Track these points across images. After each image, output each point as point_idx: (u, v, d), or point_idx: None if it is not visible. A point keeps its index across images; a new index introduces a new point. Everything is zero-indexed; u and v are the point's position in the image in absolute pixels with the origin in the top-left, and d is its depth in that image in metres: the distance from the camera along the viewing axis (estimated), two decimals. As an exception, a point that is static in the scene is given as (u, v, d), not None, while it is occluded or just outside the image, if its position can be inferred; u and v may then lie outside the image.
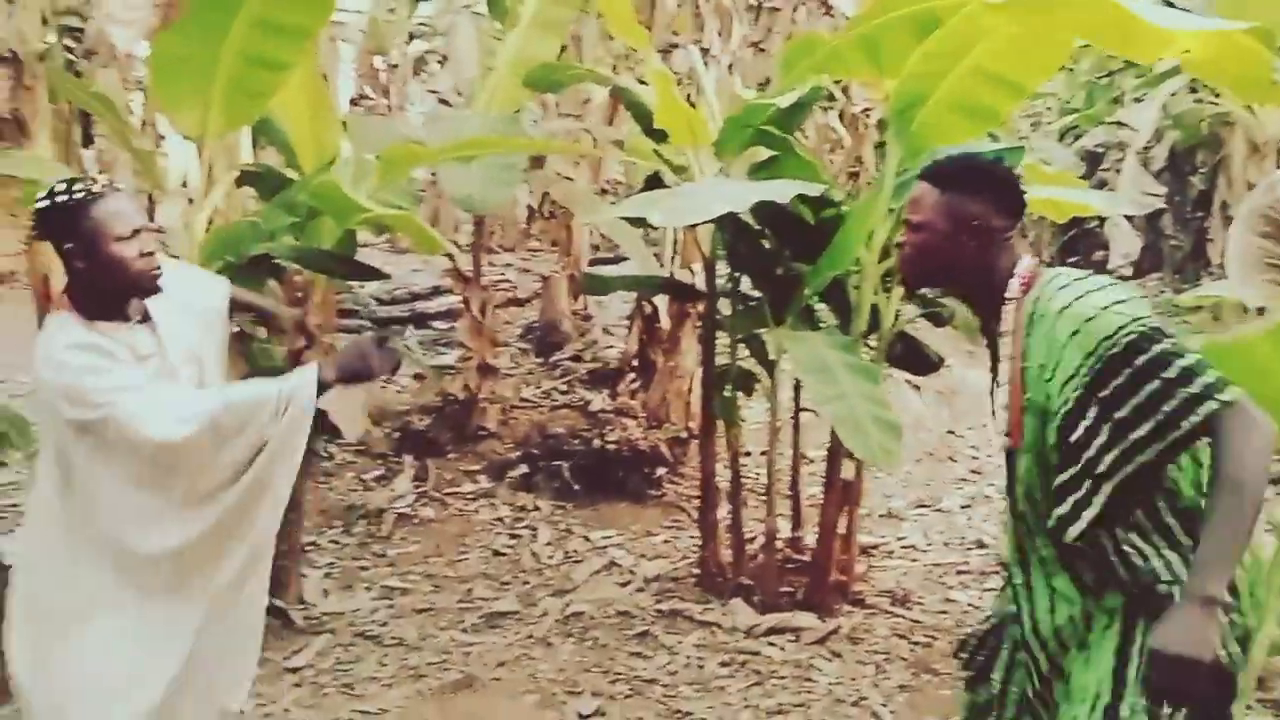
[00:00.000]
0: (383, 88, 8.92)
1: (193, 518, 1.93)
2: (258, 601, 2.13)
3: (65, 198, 1.88)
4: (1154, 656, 1.53)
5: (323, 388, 1.93)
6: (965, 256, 1.74)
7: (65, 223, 1.88)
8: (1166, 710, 1.56)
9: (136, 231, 1.91)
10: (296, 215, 3.12)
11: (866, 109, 4.46)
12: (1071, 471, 1.61)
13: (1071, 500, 1.61)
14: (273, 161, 3.87)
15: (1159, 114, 6.80)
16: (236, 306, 2.31)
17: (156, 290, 1.96)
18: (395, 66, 8.86)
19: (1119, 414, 1.55)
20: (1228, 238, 6.58)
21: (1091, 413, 1.58)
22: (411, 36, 8.95)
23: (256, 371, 3.14)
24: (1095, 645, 1.66)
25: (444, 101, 7.64)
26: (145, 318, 2.00)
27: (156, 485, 1.91)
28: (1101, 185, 8.92)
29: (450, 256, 4.84)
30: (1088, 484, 1.59)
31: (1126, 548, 1.62)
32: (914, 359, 3.70)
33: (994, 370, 1.79)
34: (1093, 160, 10.29)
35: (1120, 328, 1.57)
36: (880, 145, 5.78)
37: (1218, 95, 7.10)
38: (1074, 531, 1.61)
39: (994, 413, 1.80)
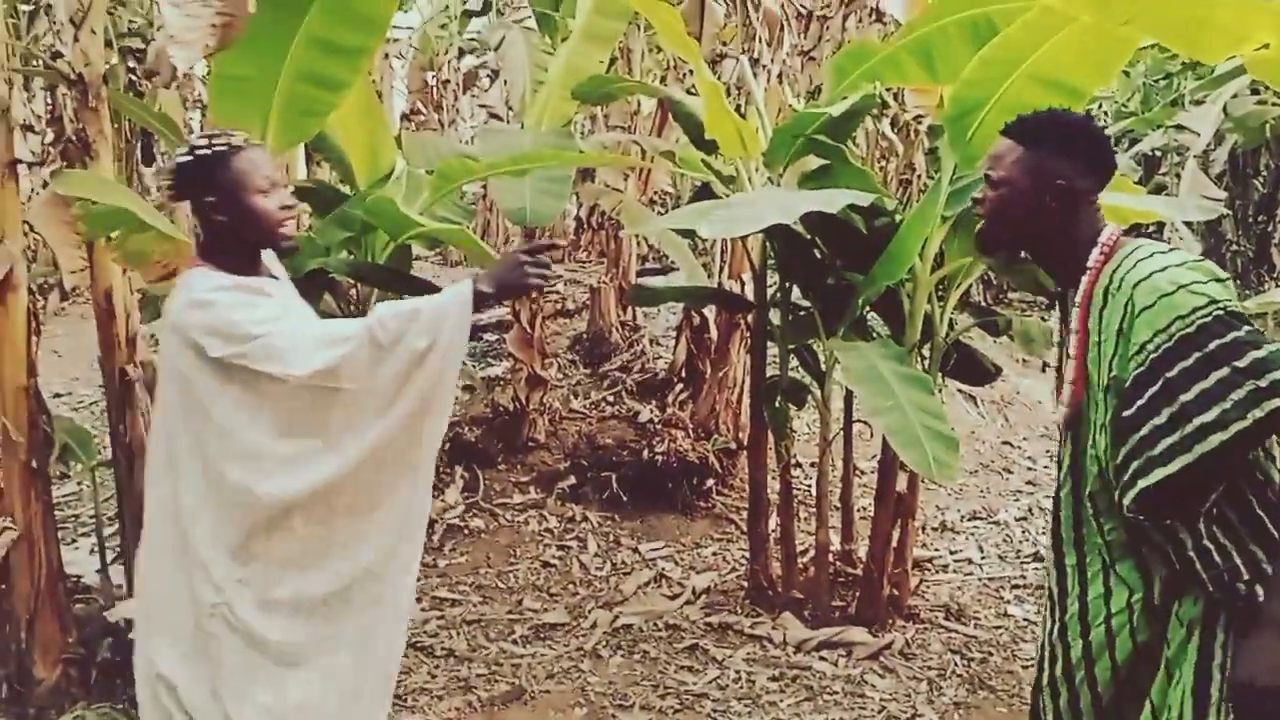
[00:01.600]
0: (434, 103, 9.03)
1: (348, 448, 1.87)
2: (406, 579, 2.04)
3: (206, 150, 1.90)
4: (1237, 687, 1.48)
5: (480, 301, 1.86)
6: (1046, 218, 1.68)
7: (206, 176, 1.89)
8: None
9: (274, 185, 1.94)
10: (351, 230, 3.16)
11: (919, 116, 4.40)
12: (1122, 452, 1.55)
13: (1120, 483, 1.56)
14: (327, 177, 3.93)
15: (1219, 116, 6.64)
16: None
17: (294, 246, 1.98)
18: (447, 82, 8.96)
19: (1184, 398, 1.49)
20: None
21: (1151, 392, 1.52)
22: (462, 52, 9.05)
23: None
24: (1175, 662, 1.60)
25: (495, 116, 7.72)
26: (272, 276, 2.02)
27: (308, 425, 1.87)
28: (1159, 190, 8.74)
29: (500, 269, 4.86)
30: (1136, 465, 1.53)
31: (1207, 543, 1.54)
32: (969, 369, 3.65)
33: (1063, 340, 1.74)
34: (1149, 165, 10.09)
35: (1196, 308, 1.51)
36: (932, 152, 5.72)
37: (1281, 97, 6.93)
38: (1129, 500, 1.55)
39: (1058, 386, 1.75)
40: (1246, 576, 1.53)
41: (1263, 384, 1.46)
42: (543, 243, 1.95)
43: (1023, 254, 1.93)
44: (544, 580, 3.94)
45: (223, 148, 1.90)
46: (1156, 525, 1.57)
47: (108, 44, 4.11)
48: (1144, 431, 1.52)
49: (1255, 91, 7.06)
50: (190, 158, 1.91)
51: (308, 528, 1.90)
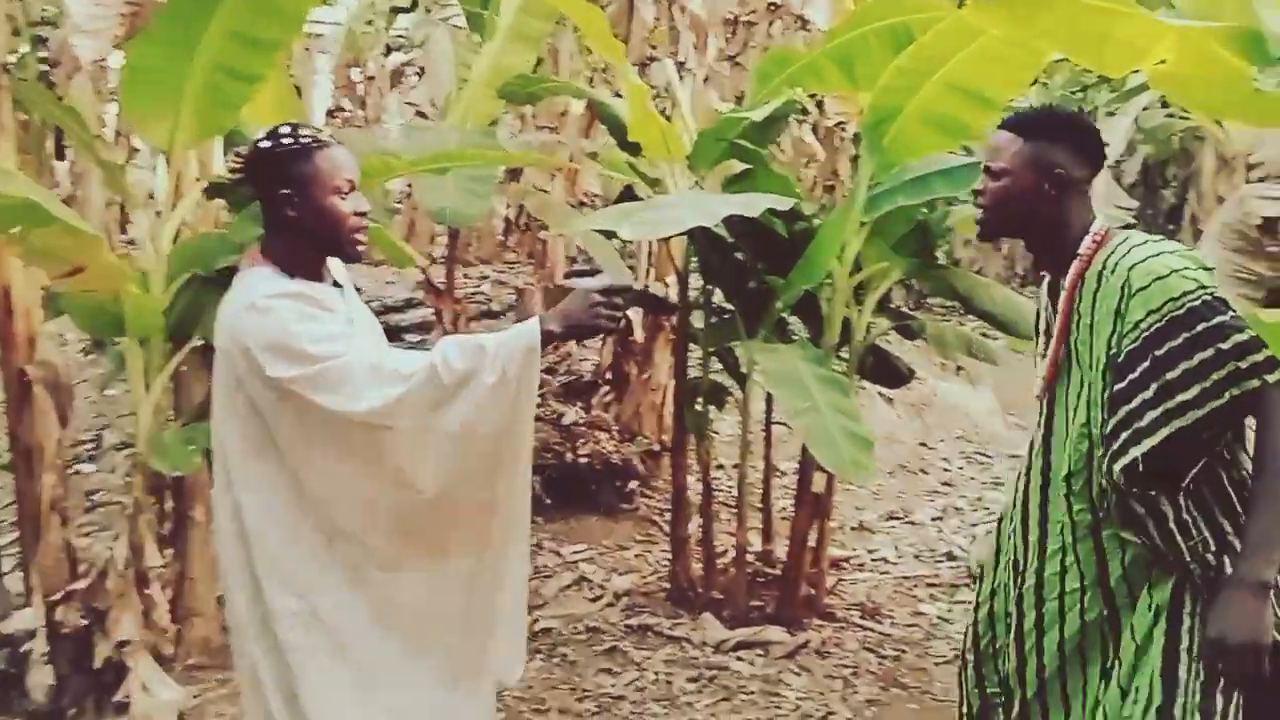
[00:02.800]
0: (360, 100, 8.89)
1: (408, 487, 1.77)
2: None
3: (291, 141, 1.81)
4: (1211, 644, 1.58)
5: (547, 340, 1.78)
6: (1045, 205, 1.78)
7: (283, 168, 1.80)
8: (1220, 703, 1.60)
9: (354, 189, 1.85)
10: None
11: (841, 123, 4.48)
12: (1111, 423, 1.66)
13: (1110, 451, 1.65)
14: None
15: (1131, 128, 6.87)
16: None
17: (359, 255, 1.88)
18: (372, 78, 8.83)
19: (1169, 374, 1.60)
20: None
21: (1141, 367, 1.62)
22: (389, 49, 8.93)
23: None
24: (1143, 647, 1.68)
25: (421, 114, 7.62)
26: (335, 284, 1.92)
27: (371, 454, 1.77)
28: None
29: (423, 269, 4.81)
30: (1125, 435, 1.63)
31: (1186, 516, 1.64)
32: (885, 371, 3.72)
33: (1047, 324, 1.85)
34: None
35: (1187, 292, 1.62)
36: (856, 158, 5.82)
37: (1187, 110, 7.19)
38: (1118, 468, 1.64)
39: (1036, 362, 1.86)
40: (1215, 548, 1.63)
41: (1243, 365, 1.58)
42: (619, 284, 1.86)
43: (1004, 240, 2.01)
44: (464, 583, 3.90)
45: (308, 140, 1.82)
46: (1141, 498, 1.66)
47: (16, 32, 3.97)
48: (1133, 404, 1.63)
49: (1165, 105, 7.31)
50: (271, 145, 1.82)
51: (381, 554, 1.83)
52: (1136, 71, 3.07)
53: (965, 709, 1.97)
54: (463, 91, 4.67)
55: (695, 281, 3.74)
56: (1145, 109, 6.98)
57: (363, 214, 1.86)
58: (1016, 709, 1.85)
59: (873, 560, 4.24)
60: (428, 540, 1.84)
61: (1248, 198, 2.73)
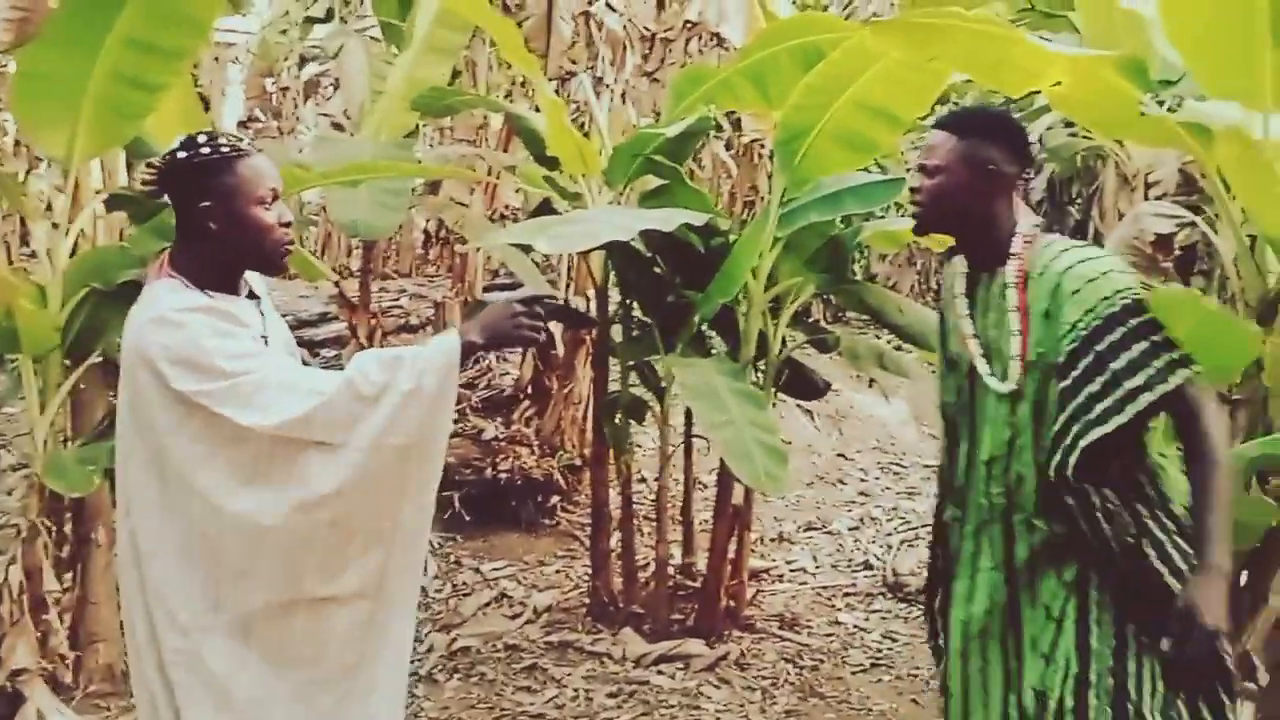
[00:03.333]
0: (274, 110, 8.72)
1: (316, 505, 1.69)
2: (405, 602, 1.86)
3: (210, 150, 1.72)
4: (1185, 630, 1.62)
5: (468, 351, 1.73)
6: (979, 200, 1.84)
7: (203, 179, 1.71)
8: (1134, 667, 1.73)
9: (277, 198, 1.77)
10: (169, 240, 3.00)
11: (757, 139, 4.53)
12: (1062, 418, 1.74)
13: (1061, 446, 1.74)
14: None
15: (1037, 147, 7.08)
16: None
17: (284, 267, 1.79)
18: (286, 89, 8.67)
19: (1114, 365, 1.70)
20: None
21: (1084, 363, 1.72)
22: (303, 59, 8.78)
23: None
24: (1061, 623, 1.79)
25: (338, 126, 7.49)
26: (251, 295, 1.83)
27: (272, 477, 1.69)
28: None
29: (336, 283, 4.74)
30: (1075, 429, 1.72)
31: (1109, 504, 1.75)
32: (801, 384, 3.76)
33: (971, 318, 1.91)
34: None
35: (1118, 290, 1.72)
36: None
37: (1089, 130, 7.44)
38: (1070, 463, 1.73)
39: (975, 361, 1.90)
40: (1134, 531, 1.74)
41: (1175, 355, 1.70)
42: (536, 293, 1.80)
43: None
44: (381, 603, 3.83)
45: (228, 149, 1.73)
46: (1073, 489, 1.75)
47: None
48: (1080, 399, 1.72)
49: (1069, 124, 7.55)
50: (189, 154, 1.73)
51: (271, 589, 1.73)
52: (1037, 92, 3.17)
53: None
54: (377, 103, 4.61)
55: (614, 296, 3.74)
56: (1049, 128, 7.19)
57: (288, 224, 1.81)
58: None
59: (791, 571, 4.29)
60: (321, 575, 1.75)
61: (1142, 215, 2.83)
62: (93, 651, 3.13)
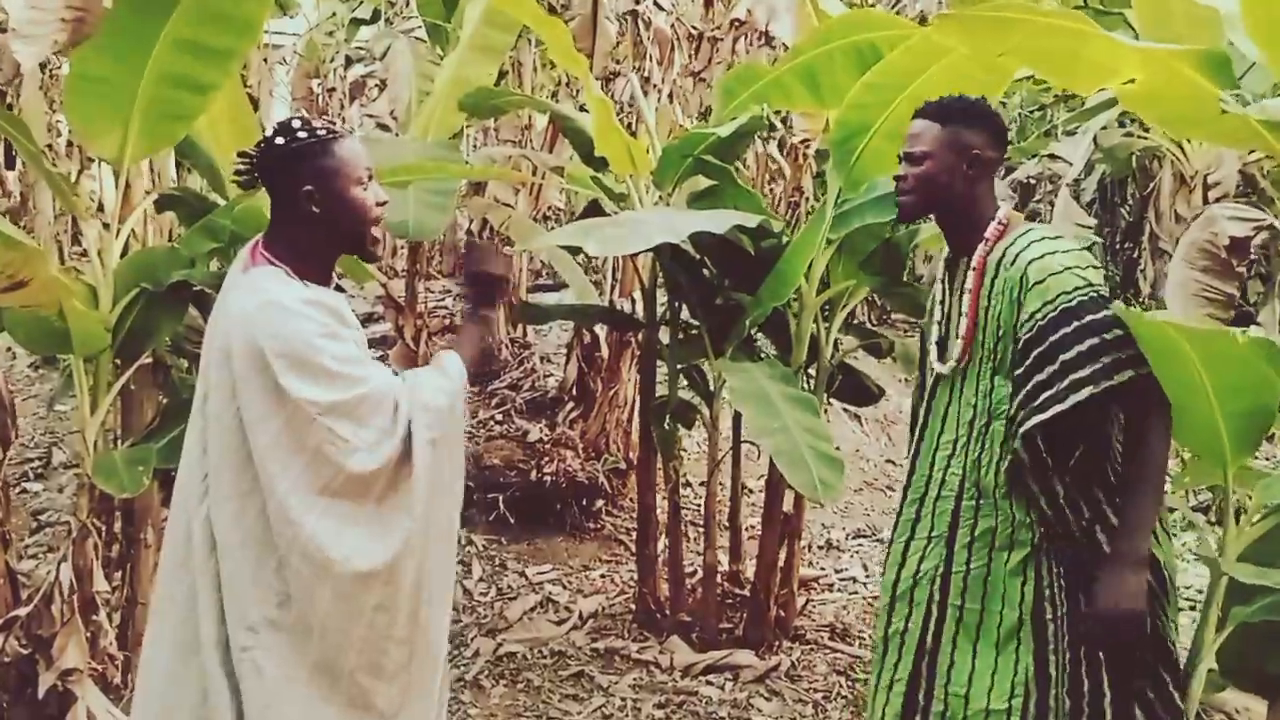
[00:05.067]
0: (320, 111, 8.76)
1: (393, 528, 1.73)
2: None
3: (307, 135, 1.73)
4: (1098, 616, 1.77)
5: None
6: (963, 184, 1.95)
7: (303, 163, 1.72)
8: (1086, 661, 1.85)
9: (373, 179, 1.78)
10: (219, 241, 3.00)
11: (806, 139, 4.46)
12: (1016, 401, 1.85)
13: (1014, 423, 1.84)
14: (198, 186, 3.75)
15: (1090, 147, 6.93)
16: None
17: (378, 251, 1.83)
18: (333, 90, 8.71)
19: (1064, 357, 1.79)
20: (1162, 270, 6.67)
21: (1038, 351, 1.81)
22: (349, 60, 8.81)
23: (176, 404, 3.00)
24: (1012, 604, 1.89)
25: (383, 126, 7.51)
26: (339, 288, 1.84)
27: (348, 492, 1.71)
28: (1033, 217, 9.07)
29: (383, 283, 4.73)
30: (1021, 415, 1.83)
31: (1073, 494, 1.85)
32: (854, 390, 3.68)
33: (945, 302, 2.03)
34: (1025, 192, 10.49)
35: (1078, 287, 1.81)
36: (819, 176, 5.80)
37: (1146, 129, 7.26)
38: (1018, 447, 1.84)
39: (937, 342, 2.04)
40: (1088, 518, 1.85)
41: (1124, 355, 1.78)
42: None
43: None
44: (426, 606, 3.81)
45: (324, 133, 1.74)
46: (1036, 475, 1.85)
47: (-43, 38, 3.84)
48: (1030, 385, 1.82)
49: (1123, 124, 7.38)
50: (286, 140, 1.74)
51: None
52: (1102, 90, 3.08)
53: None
54: (424, 104, 4.60)
55: (661, 297, 3.68)
56: (1104, 128, 7.03)
57: (384, 204, 1.81)
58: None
59: (841, 580, 4.20)
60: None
61: (1216, 217, 2.72)
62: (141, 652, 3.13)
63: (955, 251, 2.04)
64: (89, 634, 2.93)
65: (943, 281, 2.08)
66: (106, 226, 3.01)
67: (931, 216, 2.13)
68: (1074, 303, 1.80)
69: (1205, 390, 1.91)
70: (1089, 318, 1.79)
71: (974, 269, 1.94)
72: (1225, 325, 2.64)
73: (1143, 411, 1.81)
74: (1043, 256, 1.85)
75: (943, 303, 2.05)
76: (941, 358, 2.03)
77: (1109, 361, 1.77)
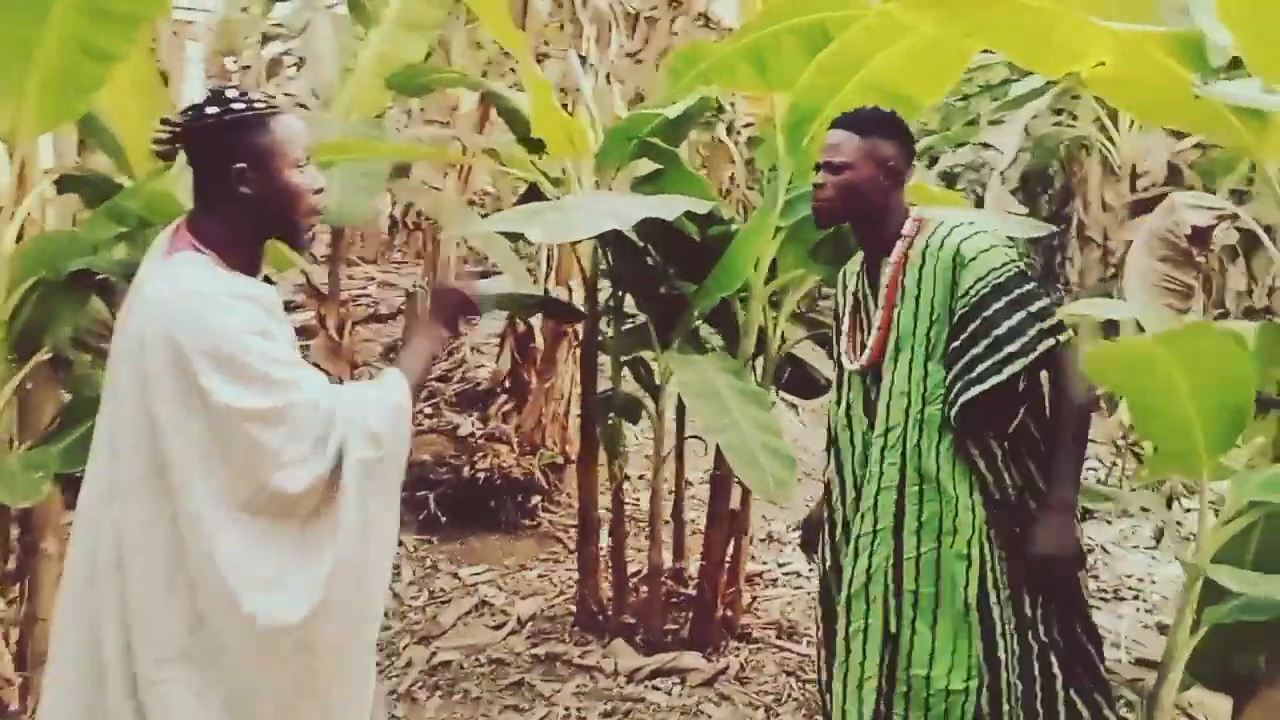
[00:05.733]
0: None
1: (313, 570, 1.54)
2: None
3: (244, 107, 1.54)
4: (1036, 560, 1.90)
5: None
6: (878, 194, 2.03)
7: (237, 138, 1.54)
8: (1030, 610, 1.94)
9: (310, 161, 1.59)
10: (126, 225, 2.75)
11: (748, 123, 4.35)
12: (951, 374, 1.94)
13: (949, 394, 1.94)
14: (102, 167, 3.47)
15: (1022, 135, 6.97)
16: None
17: (310, 240, 1.65)
18: (248, 68, 8.35)
19: (997, 331, 1.90)
20: (1090, 259, 6.74)
21: (972, 326, 1.91)
22: (265, 37, 8.45)
23: (79, 403, 2.76)
24: (957, 585, 1.95)
25: (301, 105, 7.22)
26: (267, 279, 1.65)
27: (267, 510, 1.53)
28: (962, 205, 9.12)
29: (303, 270, 4.49)
30: (958, 386, 1.93)
31: (1009, 458, 1.97)
32: (801, 382, 3.59)
33: (856, 303, 2.14)
34: (947, 181, 10.58)
35: (1005, 263, 1.93)
36: (750, 163, 5.69)
37: (1075, 118, 7.33)
38: (955, 411, 1.93)
39: (850, 336, 2.15)
40: (1020, 482, 1.97)
41: (1047, 325, 1.90)
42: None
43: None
44: (354, 612, 3.61)
45: (262, 106, 1.56)
46: (975, 439, 1.95)
47: None
48: (966, 359, 1.92)
49: (1057, 112, 7.45)
50: (220, 110, 1.54)
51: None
52: (1015, 80, 2.99)
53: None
54: (347, 81, 4.37)
55: (602, 286, 3.53)
56: (1035, 116, 7.08)
57: (320, 190, 1.63)
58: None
59: (785, 574, 4.12)
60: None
61: (1178, 205, 2.68)
62: (42, 673, 2.88)
63: (870, 254, 2.12)
64: (-18, 655, 2.69)
65: (860, 285, 2.15)
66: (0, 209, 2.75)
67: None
68: (1002, 277, 1.90)
69: (1179, 391, 1.89)
70: (1016, 291, 1.90)
71: (891, 263, 2.02)
72: (1183, 316, 2.61)
73: (1061, 371, 1.94)
74: (971, 236, 1.96)
75: (859, 303, 2.14)
76: (859, 356, 2.11)
77: (1034, 333, 1.88)
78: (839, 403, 2.20)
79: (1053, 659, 1.95)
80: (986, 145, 7.60)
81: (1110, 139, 6.47)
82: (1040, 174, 10.08)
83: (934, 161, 10.28)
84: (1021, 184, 9.75)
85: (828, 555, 2.23)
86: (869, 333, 2.09)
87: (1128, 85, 2.22)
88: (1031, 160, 9.00)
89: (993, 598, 1.94)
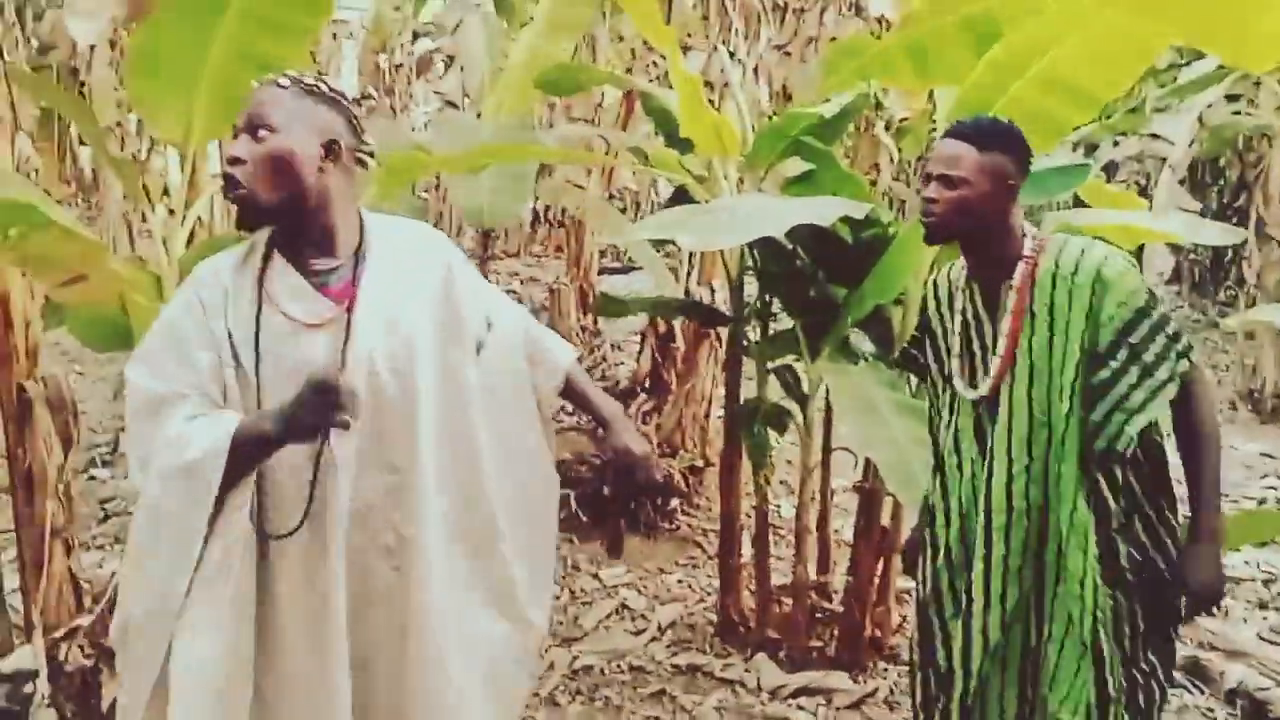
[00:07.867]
0: (387, 88, 8.63)
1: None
2: None
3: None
4: (1194, 592, 1.85)
5: (257, 441, 1.55)
6: (996, 214, 1.90)
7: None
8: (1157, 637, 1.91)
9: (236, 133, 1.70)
10: (288, 228, 2.83)
11: (905, 118, 4.18)
12: (1102, 408, 1.85)
13: (1105, 433, 1.85)
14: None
15: (1195, 125, 6.51)
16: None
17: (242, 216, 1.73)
18: (399, 66, 8.57)
19: (1146, 357, 1.83)
20: (1270, 257, 6.23)
21: (1121, 355, 1.83)
22: (416, 35, 8.66)
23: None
24: (1087, 606, 1.88)
25: (450, 103, 7.36)
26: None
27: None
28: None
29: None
30: (1118, 417, 1.84)
31: (1133, 484, 1.90)
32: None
33: (985, 323, 1.98)
34: (1108, 172, 10.01)
35: (1139, 285, 1.86)
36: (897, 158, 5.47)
37: (1255, 104, 6.81)
38: (1119, 449, 1.85)
39: (969, 363, 2.00)
40: (1134, 511, 1.91)
41: (1182, 346, 1.85)
42: (325, 380, 1.49)
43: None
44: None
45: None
46: (1104, 470, 1.87)
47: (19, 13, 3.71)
48: (1119, 388, 1.84)
49: (1232, 99, 6.95)
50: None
51: None
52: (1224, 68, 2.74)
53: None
54: (498, 81, 4.40)
55: (748, 288, 3.43)
56: (1209, 105, 6.60)
57: (232, 161, 1.67)
58: (961, 686, 2.01)
59: (934, 591, 3.94)
60: None
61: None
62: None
63: (983, 274, 1.97)
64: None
65: (969, 305, 2.01)
66: (171, 212, 2.85)
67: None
68: (1141, 300, 1.84)
69: None
70: (1155, 314, 1.84)
71: (1015, 288, 1.91)
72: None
73: (1193, 395, 1.87)
74: (1106, 259, 1.86)
75: (968, 326, 2.01)
76: (973, 383, 2.00)
77: (1174, 358, 1.84)
78: (947, 427, 2.09)
79: (1154, 686, 1.92)
80: (1155, 135, 7.15)
81: (1298, 129, 5.96)
82: (1211, 164, 9.45)
83: (1090, 150, 9.75)
84: (1189, 175, 9.16)
85: (928, 578, 2.13)
86: (983, 357, 1.98)
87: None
88: (1201, 150, 8.44)
89: (1100, 635, 1.89)
